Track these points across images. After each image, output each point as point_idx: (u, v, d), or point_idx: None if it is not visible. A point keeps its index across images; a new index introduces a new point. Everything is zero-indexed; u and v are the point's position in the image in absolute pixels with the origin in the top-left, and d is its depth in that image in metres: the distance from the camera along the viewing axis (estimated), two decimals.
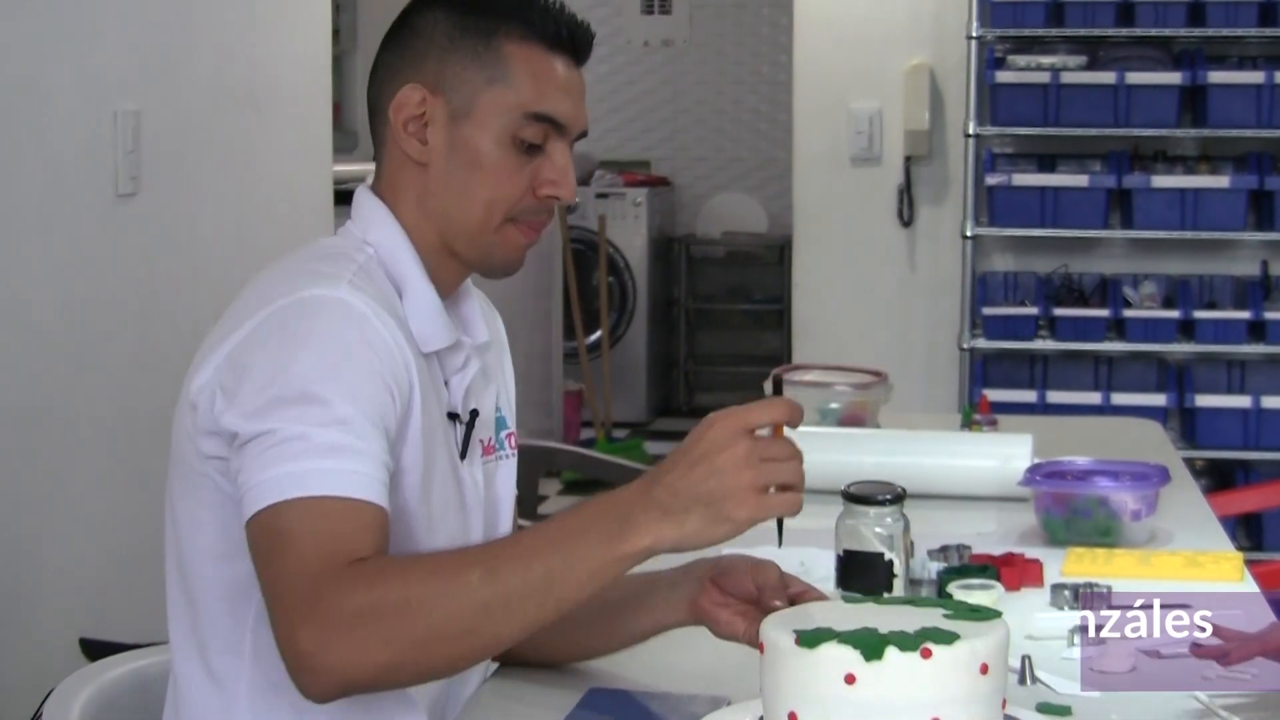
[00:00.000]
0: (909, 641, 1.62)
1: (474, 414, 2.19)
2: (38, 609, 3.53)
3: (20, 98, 3.48)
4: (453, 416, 2.16)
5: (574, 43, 2.17)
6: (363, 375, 1.96)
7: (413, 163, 2.14)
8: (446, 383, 2.16)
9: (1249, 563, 2.83)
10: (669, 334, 10.03)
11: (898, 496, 2.44)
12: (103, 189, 3.76)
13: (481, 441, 2.22)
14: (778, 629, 1.70)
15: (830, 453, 3.30)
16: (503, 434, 2.28)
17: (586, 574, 1.86)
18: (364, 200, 2.18)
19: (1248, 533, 5.82)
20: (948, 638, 1.63)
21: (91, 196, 3.72)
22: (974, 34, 5.90)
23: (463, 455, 2.17)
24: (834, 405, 3.57)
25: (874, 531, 2.42)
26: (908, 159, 6.24)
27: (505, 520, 2.27)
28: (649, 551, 1.86)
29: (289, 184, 4.66)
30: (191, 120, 4.16)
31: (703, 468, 1.85)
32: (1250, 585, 2.71)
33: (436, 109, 2.12)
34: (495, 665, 2.29)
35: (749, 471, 1.86)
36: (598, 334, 8.97)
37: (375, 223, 2.15)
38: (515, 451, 2.31)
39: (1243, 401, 5.85)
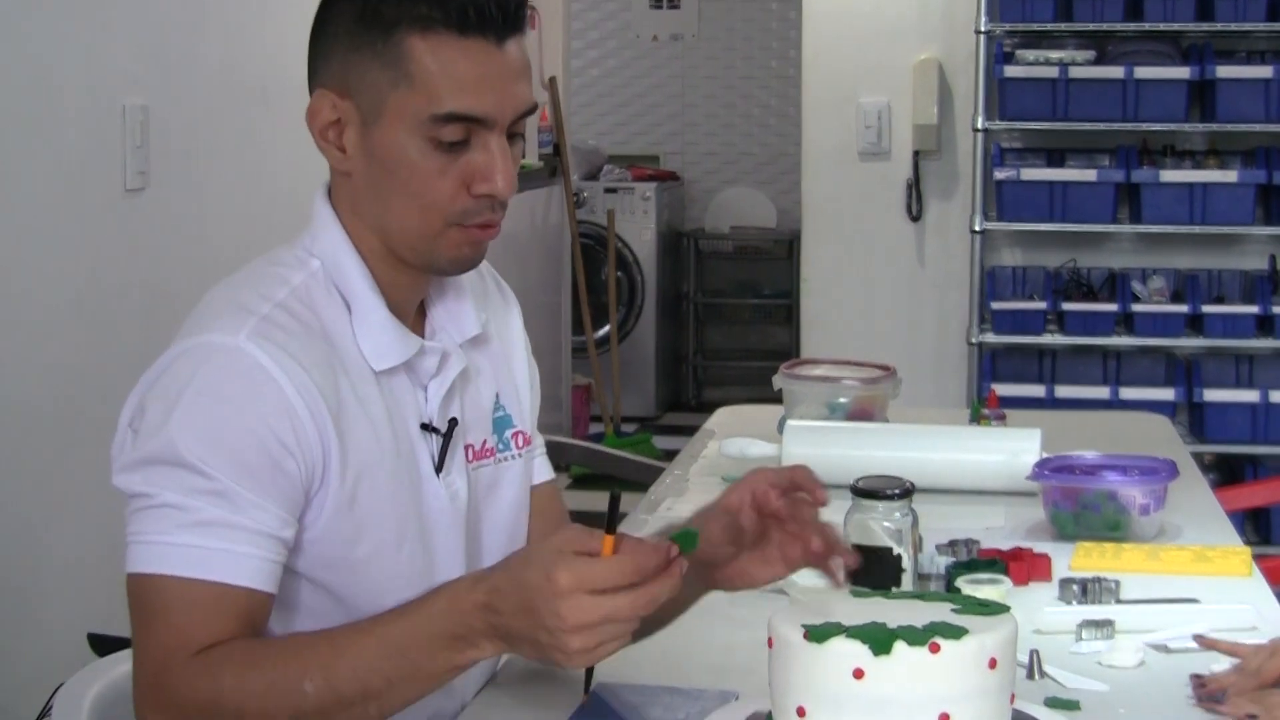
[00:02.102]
0: (917, 636, 1.62)
1: (453, 423, 2.07)
2: (46, 604, 3.54)
3: (29, 93, 3.48)
4: (426, 428, 2.06)
5: (488, 20, 1.93)
6: (248, 441, 1.87)
7: (339, 172, 2.03)
8: (425, 388, 2.07)
9: (1257, 557, 2.83)
10: (678, 328, 10.03)
11: (906, 491, 2.44)
12: (111, 184, 3.76)
13: (472, 446, 2.12)
14: (786, 623, 1.70)
15: (839, 447, 3.31)
16: (507, 433, 2.18)
17: (426, 680, 1.84)
18: (316, 207, 2.08)
19: (1256, 527, 5.82)
20: (956, 633, 1.63)
21: (100, 191, 3.72)
22: (982, 28, 5.89)
23: (438, 469, 2.06)
24: (842, 400, 3.57)
25: (882, 526, 2.42)
26: (916, 153, 6.23)
27: (508, 525, 2.18)
28: (491, 656, 1.86)
29: (298, 178, 4.65)
30: (200, 115, 4.16)
31: (531, 620, 1.76)
32: (1259, 580, 2.71)
33: (349, 114, 1.98)
34: (504, 659, 2.29)
35: (580, 636, 1.74)
36: (606, 328, 8.97)
37: (323, 232, 2.05)
38: (523, 451, 2.20)
39: (1251, 396, 5.84)
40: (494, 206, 1.99)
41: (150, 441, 1.88)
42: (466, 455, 2.12)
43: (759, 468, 2.07)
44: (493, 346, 2.19)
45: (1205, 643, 2.32)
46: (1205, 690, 2.16)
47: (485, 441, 2.15)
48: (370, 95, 1.96)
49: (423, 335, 2.10)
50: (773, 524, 2.04)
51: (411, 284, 2.07)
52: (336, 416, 1.94)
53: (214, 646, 1.83)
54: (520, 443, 2.20)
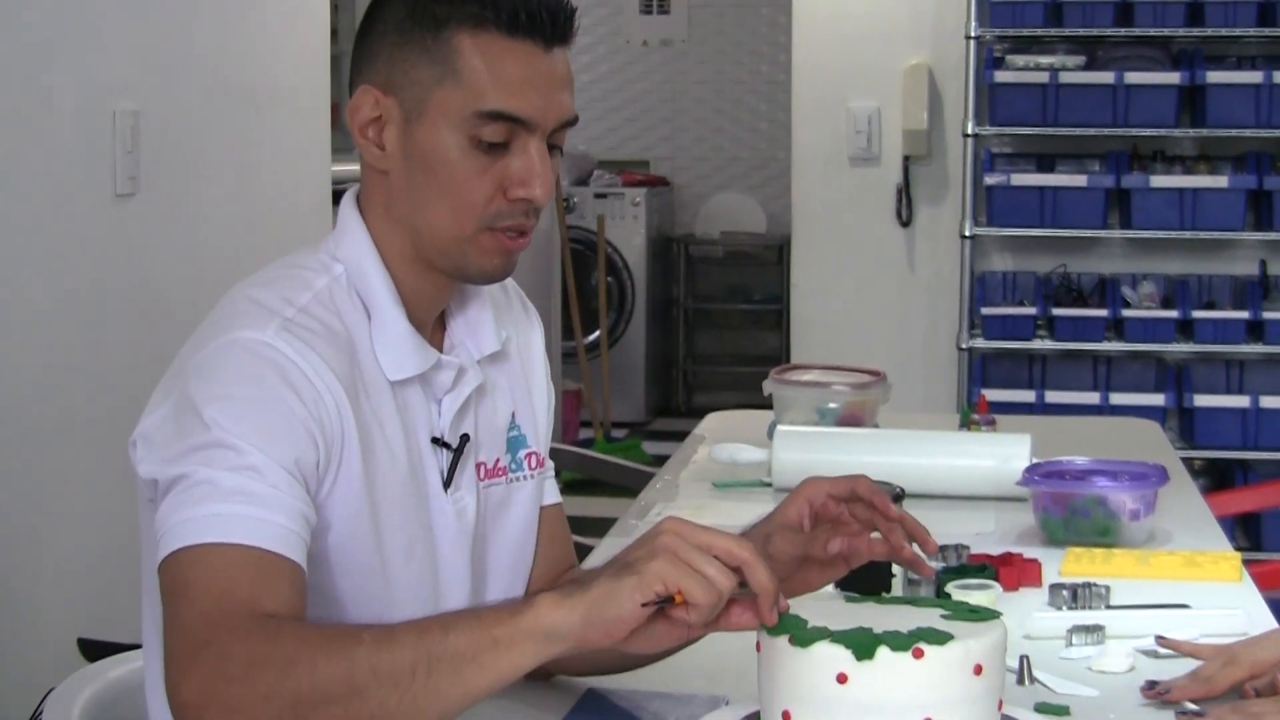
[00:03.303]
0: (901, 641, 1.62)
1: (464, 439, 2.06)
2: (36, 608, 3.53)
3: (20, 98, 3.48)
4: (437, 442, 2.04)
5: (538, 24, 1.95)
6: (279, 421, 1.85)
7: (375, 170, 2.01)
8: (439, 402, 2.05)
9: (1247, 563, 2.83)
10: (668, 334, 10.03)
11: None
12: (102, 189, 3.76)
13: (484, 464, 2.10)
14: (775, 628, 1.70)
15: (829, 452, 3.31)
16: (520, 453, 2.15)
17: (488, 642, 1.71)
18: (343, 211, 2.05)
19: (1246, 533, 5.82)
20: (941, 638, 1.63)
21: (90, 196, 3.72)
22: (973, 34, 5.90)
23: (447, 484, 2.04)
24: (832, 405, 3.57)
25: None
26: (906, 159, 6.24)
27: (516, 546, 2.15)
28: (552, 632, 1.71)
29: (288, 184, 4.66)
30: (190, 120, 4.16)
31: (632, 544, 1.76)
32: (1249, 585, 2.71)
33: (390, 111, 1.97)
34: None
35: (672, 538, 1.72)
36: (596, 334, 8.97)
37: (348, 237, 2.03)
38: (536, 472, 2.17)
39: (1241, 401, 5.85)
40: (528, 212, 2.00)
41: (189, 436, 1.84)
42: (478, 473, 2.10)
43: (812, 477, 2.04)
44: (512, 364, 2.18)
45: (1166, 643, 2.33)
46: (1154, 693, 2.18)
47: (498, 460, 2.13)
48: (415, 91, 1.96)
49: (441, 348, 2.08)
50: (830, 529, 2.03)
51: (435, 293, 2.06)
52: (357, 416, 1.93)
53: (273, 617, 1.76)
54: (533, 463, 2.17)
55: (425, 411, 2.04)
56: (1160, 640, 2.34)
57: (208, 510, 1.80)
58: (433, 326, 2.09)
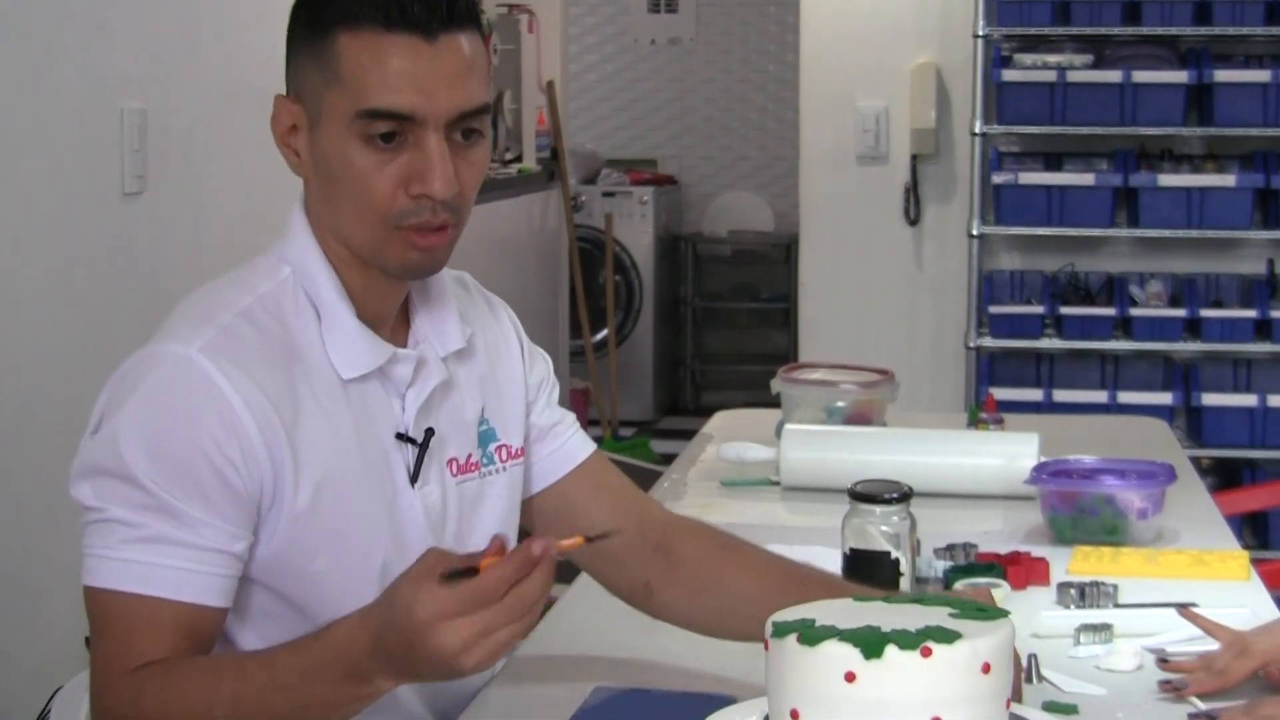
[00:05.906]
0: (909, 640, 1.62)
1: (429, 433, 2.06)
2: (44, 606, 3.53)
3: (27, 96, 3.48)
4: (402, 438, 2.04)
5: (412, 17, 1.91)
6: (193, 457, 1.86)
7: (302, 177, 2.04)
8: (403, 398, 2.05)
9: (1255, 561, 2.83)
10: (675, 332, 10.03)
11: (904, 495, 2.44)
12: (109, 188, 3.76)
13: (456, 460, 2.10)
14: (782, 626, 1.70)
15: (836, 451, 3.31)
16: (491, 447, 2.15)
17: (335, 708, 1.81)
18: (290, 215, 2.07)
19: (1254, 531, 5.81)
20: (949, 637, 1.63)
21: (98, 195, 3.72)
22: (980, 32, 5.89)
23: (414, 479, 2.05)
24: (840, 404, 3.57)
25: (880, 530, 2.43)
26: (914, 157, 6.23)
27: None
28: (394, 688, 1.81)
29: (295, 183, 4.66)
30: (198, 119, 4.16)
31: (417, 653, 1.72)
32: (1256, 584, 2.71)
33: (300, 118, 1.99)
34: (502, 662, 2.29)
35: (467, 655, 1.70)
36: (604, 332, 8.97)
37: (293, 240, 2.04)
38: (508, 466, 2.17)
39: (1249, 400, 5.84)
40: (434, 209, 1.96)
41: (100, 451, 1.89)
42: (450, 469, 2.10)
43: None
44: (478, 360, 2.18)
45: (1187, 615, 2.33)
46: (1168, 666, 2.20)
47: (470, 455, 2.13)
48: (312, 98, 1.97)
49: (405, 345, 2.09)
50: None
51: (385, 291, 2.06)
52: (292, 430, 1.93)
53: (147, 665, 1.84)
54: (504, 456, 2.18)
55: (386, 407, 2.04)
56: (1182, 612, 2.35)
57: (123, 555, 1.86)
58: (395, 325, 2.10)
